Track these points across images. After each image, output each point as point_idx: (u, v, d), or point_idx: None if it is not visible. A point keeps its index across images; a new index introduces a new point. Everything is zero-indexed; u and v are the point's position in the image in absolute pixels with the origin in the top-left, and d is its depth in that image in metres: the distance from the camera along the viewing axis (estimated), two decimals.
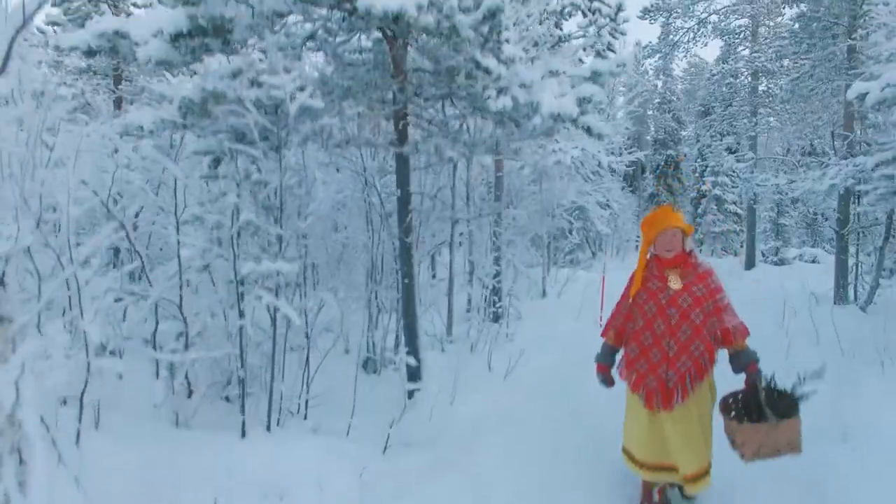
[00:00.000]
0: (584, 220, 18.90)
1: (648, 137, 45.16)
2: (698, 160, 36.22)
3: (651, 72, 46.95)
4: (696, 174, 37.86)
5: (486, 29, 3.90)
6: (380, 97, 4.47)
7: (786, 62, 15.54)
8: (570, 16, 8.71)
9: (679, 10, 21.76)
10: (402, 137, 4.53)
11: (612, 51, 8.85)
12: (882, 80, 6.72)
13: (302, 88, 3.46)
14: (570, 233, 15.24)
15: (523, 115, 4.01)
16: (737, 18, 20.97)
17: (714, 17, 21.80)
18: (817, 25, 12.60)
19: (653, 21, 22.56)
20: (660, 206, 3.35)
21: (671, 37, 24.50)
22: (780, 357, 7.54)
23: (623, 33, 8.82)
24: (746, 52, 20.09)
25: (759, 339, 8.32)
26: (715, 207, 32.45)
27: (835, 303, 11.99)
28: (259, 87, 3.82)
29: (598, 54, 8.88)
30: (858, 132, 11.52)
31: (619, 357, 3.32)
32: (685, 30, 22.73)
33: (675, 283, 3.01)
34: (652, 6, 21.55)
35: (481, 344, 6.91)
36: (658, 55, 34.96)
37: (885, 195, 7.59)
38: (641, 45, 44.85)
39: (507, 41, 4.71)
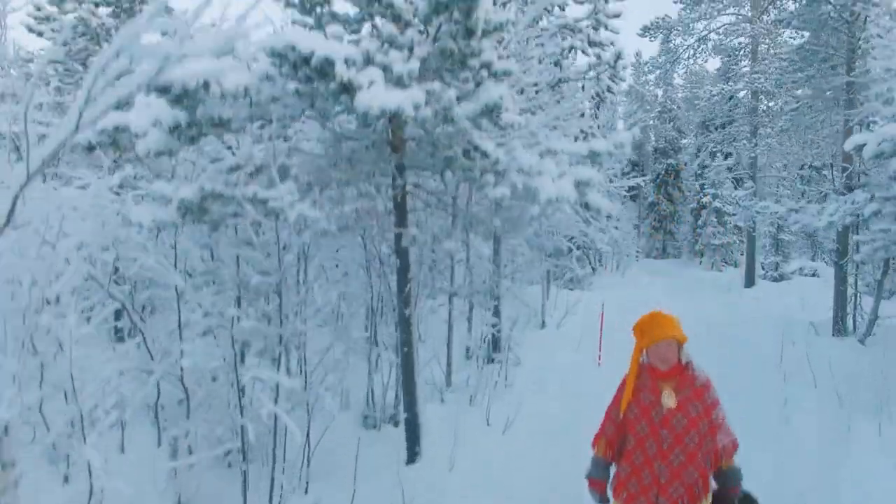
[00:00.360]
0: (583, 237, 18.95)
1: (649, 147, 45.18)
2: (698, 172, 36.19)
3: (652, 81, 47.00)
4: (697, 185, 37.85)
5: (484, 121, 3.94)
6: (378, 171, 4.51)
7: (786, 85, 15.54)
8: (568, 56, 8.76)
9: (679, 28, 21.81)
10: (400, 214, 4.57)
11: (612, 92, 8.90)
12: (879, 135, 6.75)
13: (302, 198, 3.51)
14: (571, 255, 15.23)
15: (521, 205, 4.05)
16: (737, 37, 21.01)
17: (714, 35, 21.86)
18: (815, 57, 12.64)
19: (652, 39, 22.62)
20: (653, 314, 3.21)
21: (671, 54, 24.60)
22: (777, 405, 7.58)
23: (623, 79, 8.87)
24: (747, 68, 20.13)
25: (757, 385, 8.42)
26: (715, 220, 32.45)
27: (833, 334, 12.01)
28: (258, 173, 3.86)
29: (598, 96, 8.93)
30: (857, 164, 11.55)
31: (613, 471, 3.21)
32: (685, 46, 22.78)
33: (669, 400, 2.95)
34: (652, 24, 21.60)
35: (480, 395, 6.94)
36: (658, 70, 35.07)
37: (883, 247, 7.62)
38: (641, 60, 44.88)
39: (507, 109, 4.76)
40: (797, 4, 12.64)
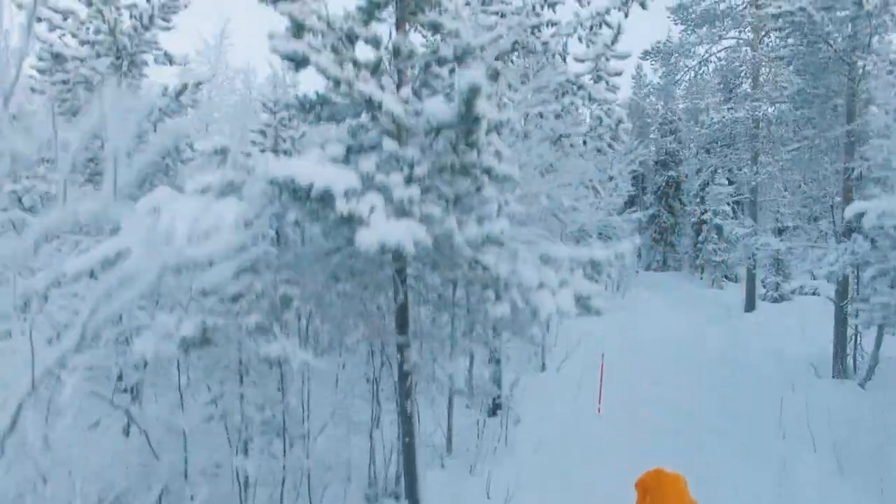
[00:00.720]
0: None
1: (650, 161, 44.98)
2: (699, 193, 36.17)
3: (653, 92, 46.96)
4: (697, 200, 37.79)
5: (486, 247, 3.97)
6: (377, 283, 4.55)
7: (786, 123, 15.58)
8: (569, 112, 8.79)
9: (679, 52, 21.84)
10: (402, 320, 4.60)
11: (612, 147, 8.92)
12: (879, 206, 6.78)
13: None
14: None
15: (522, 322, 4.08)
16: (739, 64, 21.02)
17: (715, 58, 21.89)
18: (816, 99, 12.66)
19: (654, 63, 22.64)
20: (659, 475, 3.15)
21: (671, 76, 24.65)
22: (776, 473, 7.59)
23: (623, 142, 8.90)
24: (748, 89, 20.15)
25: (755, 443, 8.42)
26: (716, 236, 32.36)
27: (834, 375, 12.02)
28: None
29: (599, 151, 8.95)
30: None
31: None
32: (686, 69, 22.81)
33: None
34: (653, 49, 21.63)
35: (480, 463, 6.96)
36: (660, 91, 35.25)
37: (882, 317, 7.64)
38: (642, 73, 44.77)
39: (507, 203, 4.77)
40: (796, 41, 12.64)
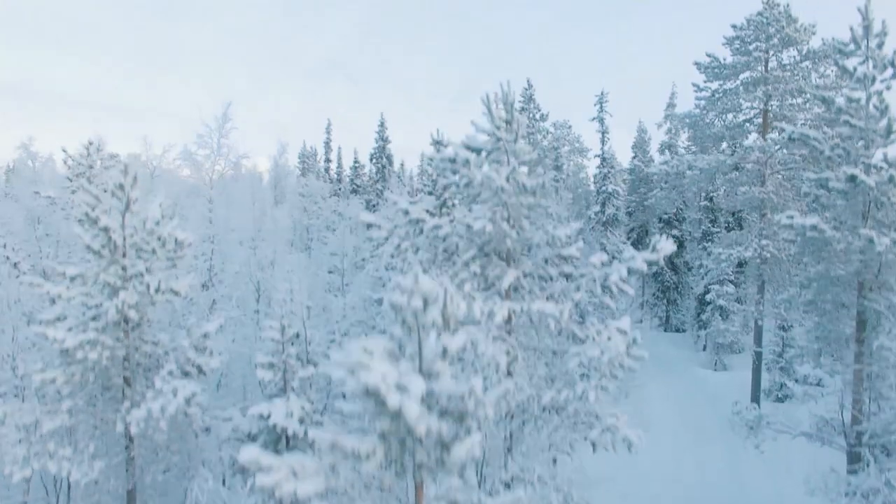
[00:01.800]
0: None
1: (654, 218, 45.37)
2: (702, 273, 36.59)
3: (657, 157, 47.53)
4: (701, 271, 38.22)
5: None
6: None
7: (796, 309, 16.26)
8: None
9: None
10: None
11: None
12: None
13: None
14: None
15: None
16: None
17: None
18: (825, 307, 13.29)
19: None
20: None
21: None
22: None
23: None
24: (755, 239, 20.91)
25: None
26: (720, 317, 32.86)
27: None
28: None
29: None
30: (867, 403, 12.14)
31: None
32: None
33: None
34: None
35: None
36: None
37: None
38: (646, 137, 45.25)
39: None
40: (811, 259, 13.26)
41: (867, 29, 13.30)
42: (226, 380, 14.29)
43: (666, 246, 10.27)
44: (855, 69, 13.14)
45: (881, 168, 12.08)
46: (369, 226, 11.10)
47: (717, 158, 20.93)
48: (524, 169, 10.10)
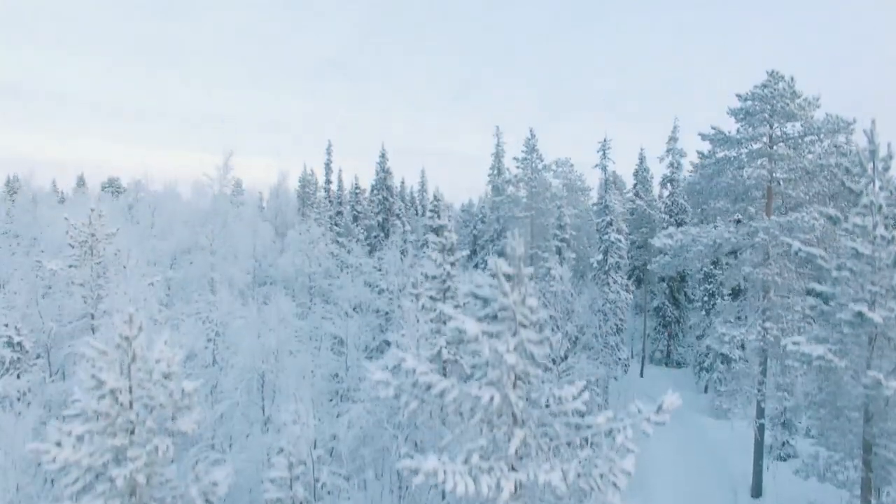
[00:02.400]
0: None
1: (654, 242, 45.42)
2: (704, 327, 36.48)
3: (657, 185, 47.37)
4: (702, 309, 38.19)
5: None
6: None
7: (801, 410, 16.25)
8: None
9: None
10: None
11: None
12: None
13: None
14: None
15: None
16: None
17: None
18: (830, 415, 13.30)
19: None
20: None
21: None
22: None
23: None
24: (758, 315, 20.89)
25: None
26: (722, 365, 32.85)
27: None
28: None
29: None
30: None
31: None
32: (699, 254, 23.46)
33: None
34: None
35: None
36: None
37: None
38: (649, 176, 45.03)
39: None
40: (818, 385, 13.26)
41: (874, 153, 13.28)
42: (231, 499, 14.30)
43: (673, 401, 10.25)
44: (861, 193, 13.12)
45: (890, 307, 12.07)
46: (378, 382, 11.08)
47: (722, 235, 20.94)
48: (532, 335, 10.09)
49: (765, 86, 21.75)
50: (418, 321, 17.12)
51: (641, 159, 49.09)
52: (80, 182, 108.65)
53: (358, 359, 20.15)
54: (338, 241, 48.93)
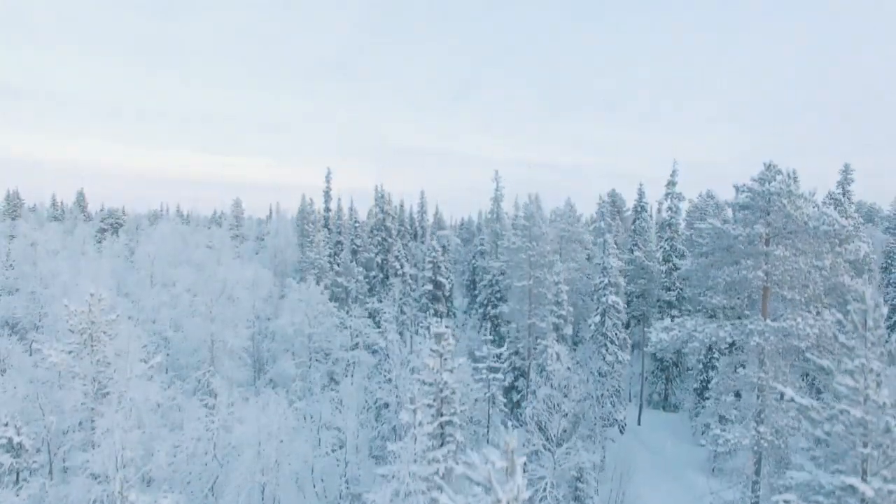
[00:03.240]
0: None
1: (654, 290, 45.38)
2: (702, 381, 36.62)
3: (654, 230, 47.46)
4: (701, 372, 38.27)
5: None
6: None
7: None
8: None
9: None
10: None
11: None
12: None
13: None
14: None
15: None
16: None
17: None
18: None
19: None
20: None
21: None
22: None
23: None
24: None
25: None
26: (720, 426, 32.99)
27: None
28: None
29: None
30: None
31: None
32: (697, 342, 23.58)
33: None
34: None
35: None
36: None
37: None
38: (654, 219, 45.05)
39: None
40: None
41: (864, 313, 13.44)
42: None
43: None
44: (853, 359, 13.28)
45: (883, 477, 12.24)
46: None
47: (717, 333, 21.12)
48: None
49: (762, 178, 21.86)
50: (416, 440, 17.31)
51: (640, 194, 49.15)
52: (80, 197, 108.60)
53: (359, 465, 20.28)
54: (336, 281, 49.17)
